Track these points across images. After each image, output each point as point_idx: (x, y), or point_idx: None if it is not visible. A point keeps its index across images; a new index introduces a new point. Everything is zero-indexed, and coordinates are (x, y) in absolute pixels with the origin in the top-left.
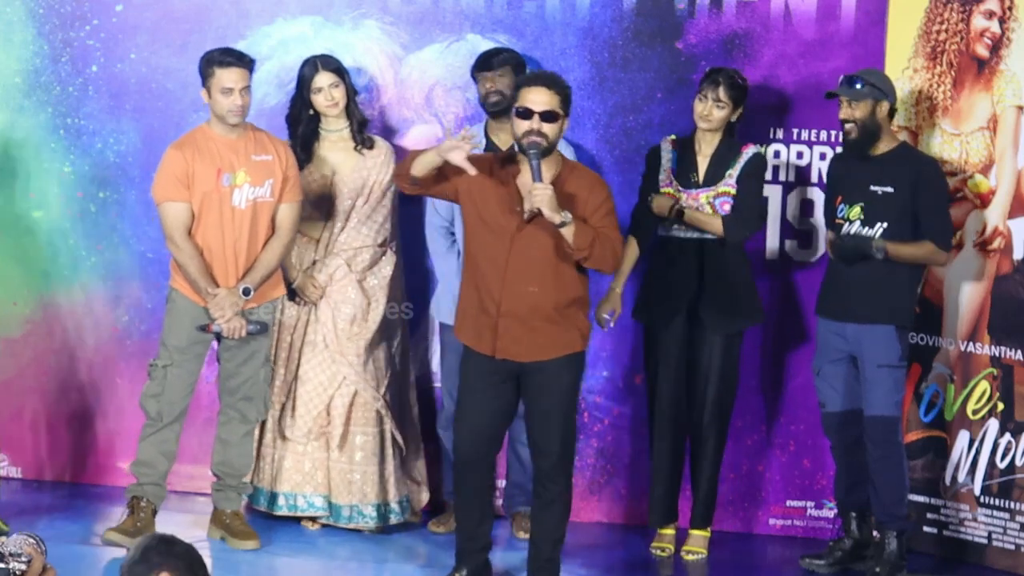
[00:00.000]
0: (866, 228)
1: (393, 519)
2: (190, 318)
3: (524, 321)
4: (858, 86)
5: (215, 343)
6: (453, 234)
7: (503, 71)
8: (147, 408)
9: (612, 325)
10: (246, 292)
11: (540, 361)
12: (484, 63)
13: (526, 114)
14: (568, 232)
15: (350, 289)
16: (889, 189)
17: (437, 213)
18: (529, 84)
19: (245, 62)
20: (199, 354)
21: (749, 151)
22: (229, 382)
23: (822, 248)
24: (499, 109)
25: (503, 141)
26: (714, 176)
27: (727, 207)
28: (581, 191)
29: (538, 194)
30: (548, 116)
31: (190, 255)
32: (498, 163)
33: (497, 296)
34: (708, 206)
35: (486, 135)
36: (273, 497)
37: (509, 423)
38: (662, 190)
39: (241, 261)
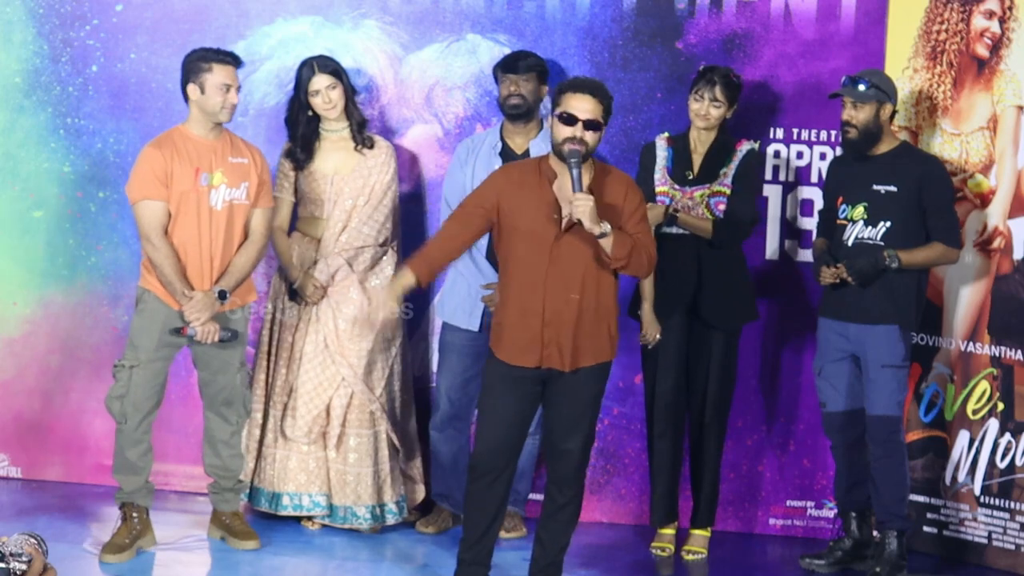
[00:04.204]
0: (869, 228)
1: (390, 519)
2: (161, 320)
3: (568, 329)
4: (863, 87)
5: (188, 346)
6: None
7: (528, 76)
8: (112, 409)
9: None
10: (222, 295)
11: (575, 368)
12: (510, 65)
13: (570, 120)
14: (607, 243)
15: (352, 290)
16: (892, 188)
17: (450, 211)
18: (576, 90)
19: (238, 62)
20: (167, 356)
21: (744, 148)
22: (207, 389)
23: None
24: (518, 113)
25: (518, 145)
26: (709, 173)
27: (721, 207)
28: (617, 195)
29: (580, 205)
30: (592, 125)
31: (166, 255)
32: (527, 170)
33: (539, 307)
34: (703, 206)
35: (501, 138)
36: (276, 497)
37: (527, 431)
38: (658, 188)
39: (216, 263)
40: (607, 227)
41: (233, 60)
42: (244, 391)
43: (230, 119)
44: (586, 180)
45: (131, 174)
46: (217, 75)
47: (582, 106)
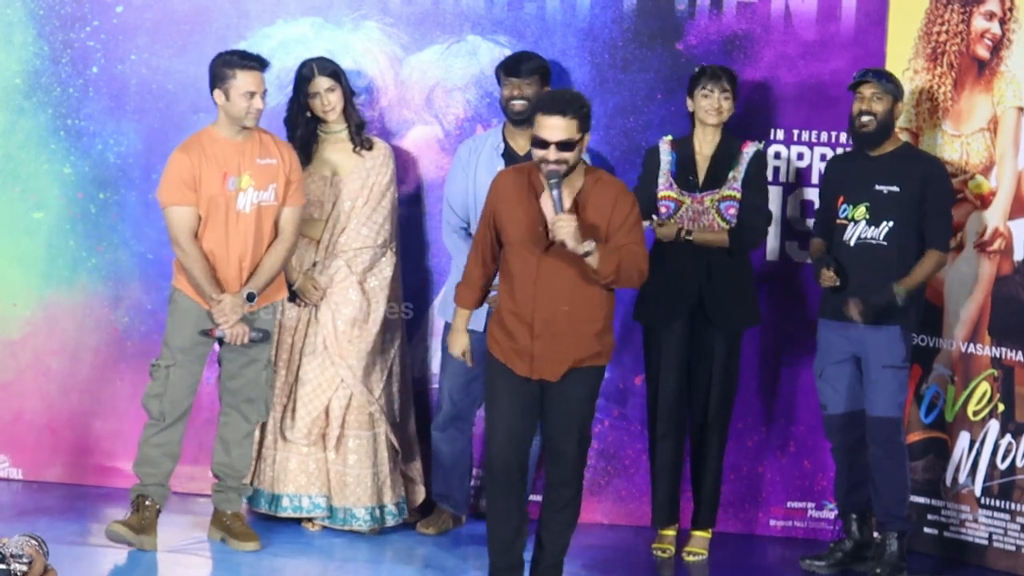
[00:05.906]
0: (872, 227)
1: (390, 521)
2: (193, 319)
3: (558, 341)
4: (885, 81)
5: (217, 344)
6: (471, 236)
7: (531, 79)
8: (150, 408)
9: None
10: (250, 297)
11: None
12: (513, 68)
13: (542, 144)
14: (592, 261)
15: (351, 291)
16: (895, 188)
17: (454, 213)
18: (544, 112)
19: (265, 65)
20: (201, 354)
21: (749, 149)
22: (230, 383)
23: None
24: (522, 118)
25: (520, 146)
26: (716, 178)
27: (732, 211)
28: (605, 206)
29: (562, 226)
30: (565, 145)
31: (195, 259)
32: (520, 180)
33: (529, 317)
34: (713, 210)
35: (504, 139)
36: (276, 499)
37: (536, 429)
38: (662, 193)
39: (246, 265)
40: (591, 246)
41: (259, 64)
42: (267, 390)
43: (256, 124)
44: (574, 191)
45: (161, 179)
46: (241, 82)
47: (551, 129)
